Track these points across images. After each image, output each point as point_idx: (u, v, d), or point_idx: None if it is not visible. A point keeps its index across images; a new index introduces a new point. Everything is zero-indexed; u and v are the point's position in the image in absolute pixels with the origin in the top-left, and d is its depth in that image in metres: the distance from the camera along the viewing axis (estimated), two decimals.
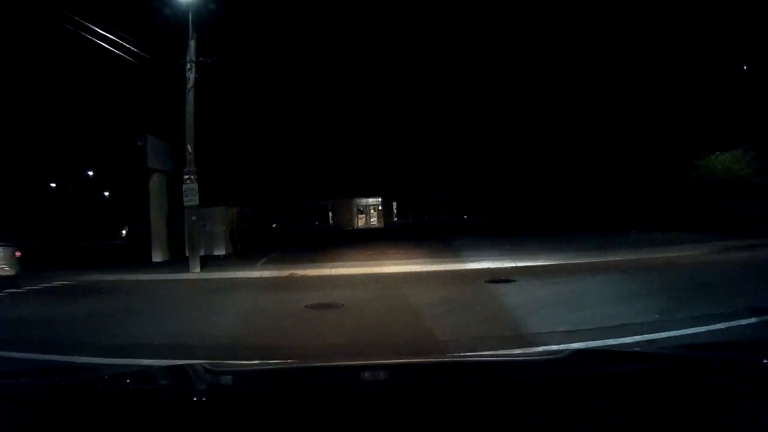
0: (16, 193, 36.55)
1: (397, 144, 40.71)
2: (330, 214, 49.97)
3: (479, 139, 38.43)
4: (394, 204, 51.56)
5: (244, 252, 18.97)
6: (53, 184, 42.67)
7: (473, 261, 13.86)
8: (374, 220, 51.05)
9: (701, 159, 21.95)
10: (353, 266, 14.23)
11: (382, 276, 12.61)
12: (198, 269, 14.53)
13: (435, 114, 38.86)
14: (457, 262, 14.01)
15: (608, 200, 28.57)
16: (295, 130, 36.22)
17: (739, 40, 22.22)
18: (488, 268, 12.79)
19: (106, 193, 44.18)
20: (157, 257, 17.29)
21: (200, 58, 14.85)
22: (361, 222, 50.45)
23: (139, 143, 16.11)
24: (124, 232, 36.22)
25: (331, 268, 14.05)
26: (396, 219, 50.63)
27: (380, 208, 51.30)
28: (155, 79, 16.22)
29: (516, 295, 8.89)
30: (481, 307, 8.15)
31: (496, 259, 13.84)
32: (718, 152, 21.49)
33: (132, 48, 13.48)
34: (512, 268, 12.70)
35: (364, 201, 51.17)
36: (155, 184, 17.69)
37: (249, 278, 13.48)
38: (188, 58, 14.72)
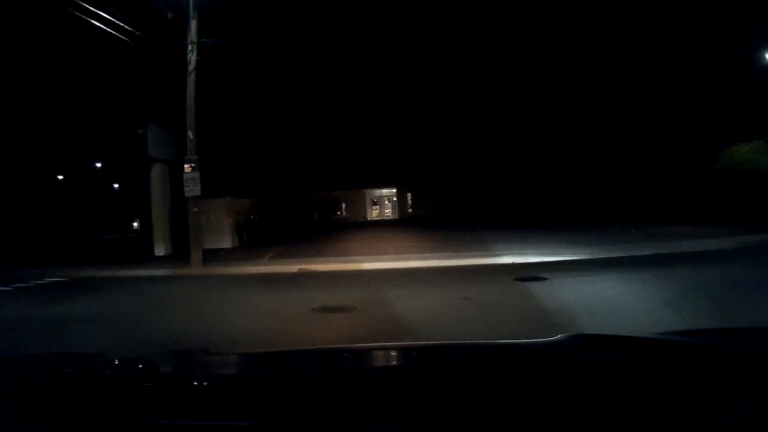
0: (22, 187, 36.09)
1: (411, 133, 39.56)
2: (342, 205, 48.82)
3: (495, 130, 37.31)
4: (409, 195, 49.68)
5: (250, 245, 18.17)
6: (60, 177, 42.04)
7: (495, 255, 12.87)
8: (388, 212, 49.78)
9: (724, 150, 21.30)
10: (366, 261, 13.25)
11: (397, 272, 11.63)
12: (200, 264, 13.69)
13: (450, 102, 37.59)
14: (478, 256, 12.98)
15: (629, 193, 27.76)
16: (305, 118, 35.13)
17: (760, 30, 21.23)
18: (512, 263, 11.84)
19: (116, 186, 43.35)
20: (160, 251, 16.47)
21: (201, 40, 13.95)
22: (374, 213, 49.18)
23: (140, 131, 15.26)
24: (135, 224, 35.38)
25: (343, 262, 13.16)
26: (411, 210, 49.04)
27: (394, 199, 49.74)
28: (156, 64, 15.31)
29: (550, 296, 7.82)
30: (515, 311, 7.11)
31: (519, 253, 12.81)
32: (741, 143, 20.88)
33: (126, 27, 12.56)
34: (537, 263, 11.64)
35: (377, 192, 49.91)
36: (157, 174, 16.84)
37: (254, 274, 12.65)
38: (189, 39, 13.82)
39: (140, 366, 1.93)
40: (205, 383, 1.61)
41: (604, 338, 2.35)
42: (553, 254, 12.51)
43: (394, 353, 2.32)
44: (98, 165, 40.13)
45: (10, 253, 21.18)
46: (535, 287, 8.68)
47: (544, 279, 9.33)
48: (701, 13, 22.98)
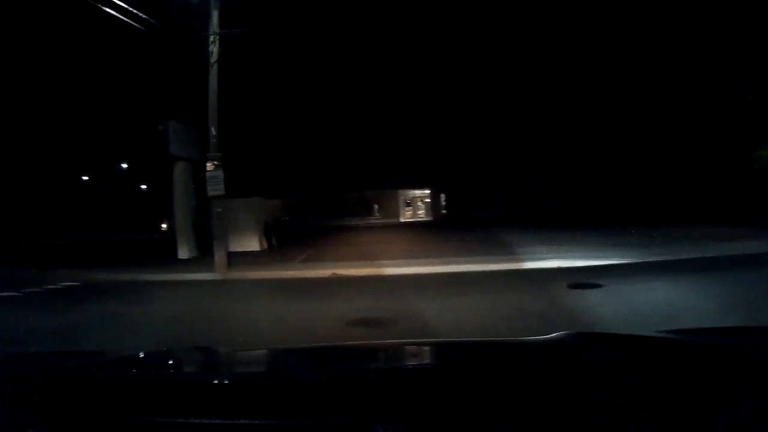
0: (45, 188, 36.14)
1: (446, 133, 38.45)
2: (374, 206, 48.07)
3: (534, 127, 36.06)
4: (443, 196, 48.74)
5: (280, 248, 17.36)
6: (85, 178, 41.98)
7: (537, 259, 11.84)
8: (421, 213, 48.83)
9: (763, 149, 20.79)
10: (402, 265, 12.27)
11: (436, 277, 10.67)
12: (225, 268, 12.84)
13: (486, 99, 36.28)
14: (523, 259, 11.90)
15: (664, 193, 27.74)
16: (336, 117, 34.26)
17: None
18: (557, 268, 10.93)
19: (144, 186, 43.25)
20: (183, 253, 15.73)
21: (224, 30, 13.19)
22: (407, 215, 48.34)
23: (160, 128, 14.51)
24: (164, 225, 35.08)
25: (378, 266, 12.21)
26: (445, 212, 48.09)
27: (428, 200, 48.96)
28: (176, 58, 14.62)
29: (615, 307, 6.75)
30: (580, 325, 5.95)
31: (562, 256, 11.85)
32: None
33: (143, 16, 11.83)
34: (584, 267, 10.71)
35: (410, 193, 48.98)
36: (180, 173, 16.11)
37: (283, 279, 11.78)
38: (211, 30, 13.08)
39: (140, 364, 1.92)
40: (205, 381, 1.57)
41: (604, 336, 2.29)
42: (597, 257, 11.59)
43: (393, 351, 2.30)
44: (124, 166, 39.89)
45: (30, 255, 20.92)
46: (592, 296, 7.77)
47: (600, 286, 8.36)
48: (741, 11, 22.33)
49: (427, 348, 2.41)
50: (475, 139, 38.64)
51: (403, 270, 11.71)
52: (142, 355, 2.18)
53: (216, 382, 1.57)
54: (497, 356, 1.98)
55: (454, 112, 37.28)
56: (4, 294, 10.11)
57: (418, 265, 12.15)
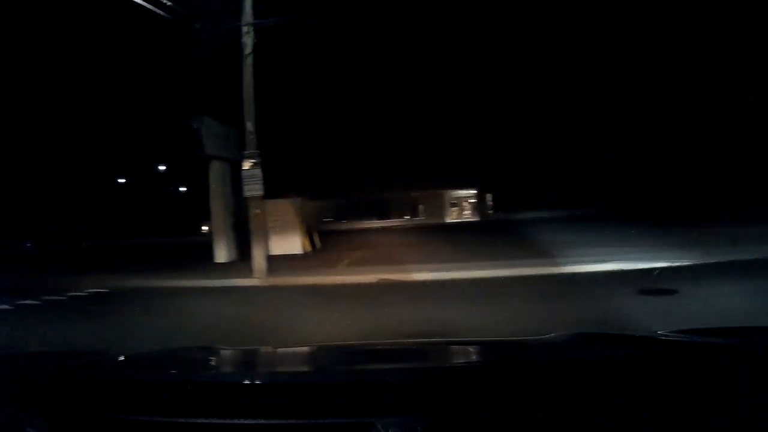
0: (81, 191, 36.37)
1: (491, 131, 37.20)
2: (419, 207, 47.49)
3: (586, 124, 34.61)
4: (489, 196, 47.78)
5: (323, 251, 16.55)
6: (122, 180, 41.85)
7: (596, 261, 10.64)
8: (467, 213, 48.10)
9: None
10: (452, 268, 11.22)
11: (491, 282, 9.70)
12: (264, 273, 12.04)
13: (534, 98, 34.87)
14: (580, 261, 10.77)
15: (712, 191, 27.04)
16: (379, 115, 33.35)
17: None
18: (620, 270, 9.94)
19: (184, 189, 42.83)
20: (221, 257, 15.06)
21: (258, 20, 12.46)
22: (453, 216, 47.60)
23: (193, 125, 13.83)
24: (205, 228, 34.82)
25: (426, 270, 11.23)
26: (491, 212, 47.17)
27: (474, 200, 48.18)
28: (210, 52, 13.94)
29: (700, 318, 5.71)
30: None
31: (624, 259, 10.70)
32: None
33: (171, 4, 11.14)
34: (649, 269, 9.64)
35: (456, 193, 48.28)
36: (216, 173, 15.47)
37: (327, 285, 10.91)
38: (244, 20, 12.38)
39: (140, 364, 1.91)
40: (206, 381, 1.55)
41: (605, 336, 2.23)
42: (659, 259, 10.41)
43: (394, 351, 2.29)
44: (162, 168, 39.75)
45: (59, 259, 20.77)
46: (668, 304, 6.85)
47: (674, 292, 7.37)
48: None
49: (427, 348, 2.41)
50: (522, 139, 37.50)
51: (455, 274, 10.74)
52: (142, 355, 2.16)
53: (216, 381, 1.55)
54: (497, 356, 1.99)
55: (502, 110, 36.03)
56: (25, 302, 9.47)
57: (472, 268, 11.13)
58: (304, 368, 1.90)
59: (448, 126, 36.83)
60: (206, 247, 15.87)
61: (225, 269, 13.79)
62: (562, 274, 10.09)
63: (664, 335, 1.98)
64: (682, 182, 30.63)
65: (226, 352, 2.23)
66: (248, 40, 12.40)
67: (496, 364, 1.73)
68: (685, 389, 1.31)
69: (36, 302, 9.53)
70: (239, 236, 15.21)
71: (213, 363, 1.98)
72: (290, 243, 16.03)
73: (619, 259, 10.68)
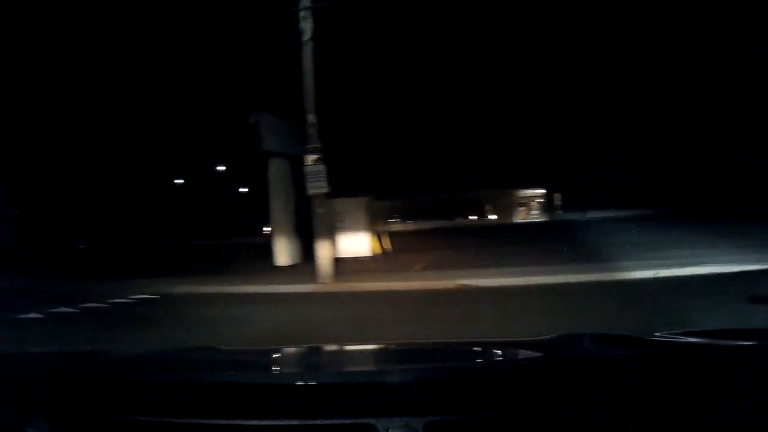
0: (140, 192, 36.84)
1: (561, 131, 36.14)
2: (486, 207, 46.70)
3: (655, 122, 33.46)
4: (558, 195, 47.45)
5: (392, 252, 15.53)
6: (180, 181, 42.05)
7: (688, 264, 9.65)
8: (535, 213, 47.01)
9: None
10: (534, 272, 10.29)
11: (578, 287, 8.80)
12: (329, 277, 11.12)
13: (604, 97, 33.51)
14: (668, 265, 9.82)
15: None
16: (448, 113, 32.43)
17: None
18: (714, 274, 9.00)
19: (245, 189, 41.93)
20: (281, 260, 14.25)
21: (316, 4, 11.64)
22: (521, 215, 46.75)
23: (251, 120, 13.08)
24: (267, 228, 34.63)
25: (507, 275, 10.29)
26: (560, 211, 46.20)
27: (542, 199, 47.61)
28: (267, 42, 13.20)
29: None
30: None
31: (716, 262, 9.72)
32: None
33: None
34: (747, 272, 8.74)
35: (524, 192, 47.50)
36: (276, 170, 14.73)
37: (400, 291, 9.90)
38: (301, 4, 11.58)
39: (140, 364, 1.89)
40: (206, 381, 1.49)
41: (604, 337, 2.05)
42: (746, 261, 9.49)
43: (394, 351, 2.27)
44: (222, 168, 39.77)
45: (111, 261, 20.64)
46: None
47: None
48: None
49: (427, 348, 2.40)
50: (591, 138, 36.63)
51: (535, 279, 9.81)
52: (142, 355, 2.16)
53: (217, 382, 1.47)
54: (498, 356, 2.00)
55: (572, 110, 34.96)
56: (59, 310, 8.85)
57: (556, 272, 10.17)
58: (304, 369, 1.92)
59: (518, 125, 35.98)
60: (267, 248, 15.13)
61: (286, 273, 13.05)
62: (656, 279, 9.03)
63: (663, 337, 1.86)
64: (741, 180, 30.33)
65: (227, 353, 2.24)
66: (306, 26, 11.66)
67: (497, 364, 1.76)
68: (685, 389, 1.28)
69: (74, 310, 8.95)
70: (302, 237, 14.44)
71: (211, 363, 1.92)
72: (358, 245, 15.10)
73: (707, 262, 9.75)
